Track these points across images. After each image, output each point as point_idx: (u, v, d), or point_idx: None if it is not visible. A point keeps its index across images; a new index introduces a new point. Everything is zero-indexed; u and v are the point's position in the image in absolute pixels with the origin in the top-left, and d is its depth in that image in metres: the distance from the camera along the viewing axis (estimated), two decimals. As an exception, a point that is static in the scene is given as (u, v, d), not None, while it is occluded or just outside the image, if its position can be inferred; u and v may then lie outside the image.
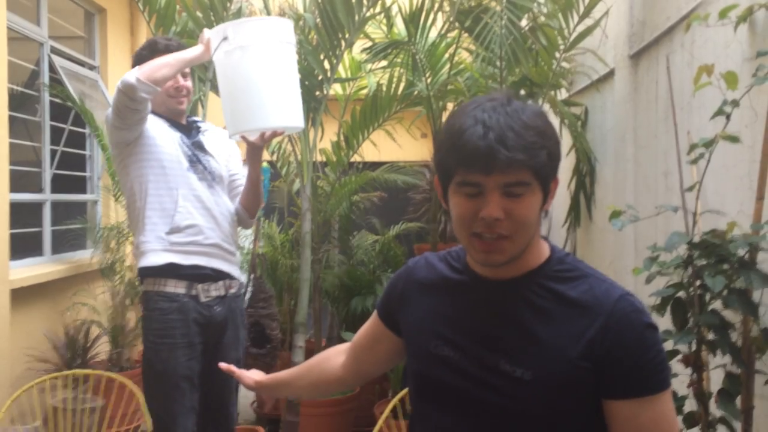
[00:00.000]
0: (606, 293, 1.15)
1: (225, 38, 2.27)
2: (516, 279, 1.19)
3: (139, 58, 2.47)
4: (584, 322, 1.13)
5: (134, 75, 2.24)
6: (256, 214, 2.72)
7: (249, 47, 2.26)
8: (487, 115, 1.07)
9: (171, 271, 2.39)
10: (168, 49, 2.43)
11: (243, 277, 5.57)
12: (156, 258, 2.40)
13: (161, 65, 2.29)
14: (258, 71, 2.26)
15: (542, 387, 1.12)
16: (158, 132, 2.45)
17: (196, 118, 2.70)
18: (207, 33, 2.37)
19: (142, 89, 2.24)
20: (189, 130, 2.59)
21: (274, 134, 2.40)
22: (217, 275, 2.48)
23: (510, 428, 1.15)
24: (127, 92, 2.24)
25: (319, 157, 4.32)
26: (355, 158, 4.48)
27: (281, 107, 2.30)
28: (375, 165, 4.91)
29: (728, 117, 1.86)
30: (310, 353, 4.30)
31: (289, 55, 2.35)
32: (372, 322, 1.44)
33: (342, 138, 4.35)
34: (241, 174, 2.62)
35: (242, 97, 2.29)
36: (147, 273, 2.43)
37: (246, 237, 5.52)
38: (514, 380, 1.13)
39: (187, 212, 2.42)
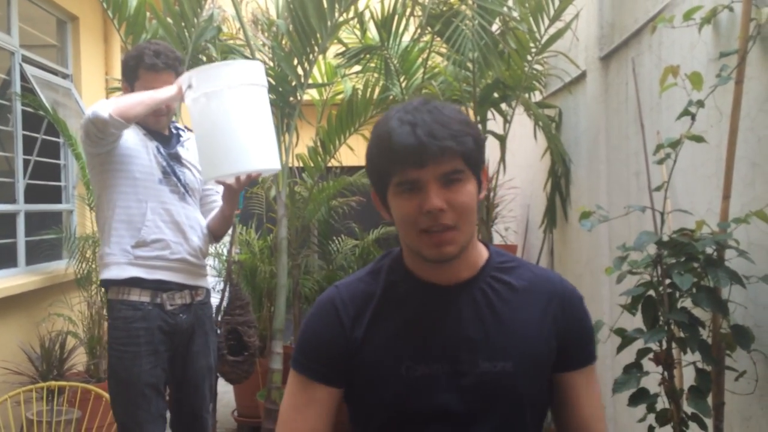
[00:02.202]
0: (548, 276, 1.27)
1: (189, 86, 2.28)
2: (469, 280, 1.21)
3: (125, 68, 2.48)
4: (541, 304, 1.21)
5: (107, 110, 2.22)
6: (222, 238, 2.72)
7: (212, 93, 2.25)
8: (410, 116, 1.12)
9: (135, 283, 2.38)
10: (154, 68, 2.41)
11: (212, 283, 5.56)
12: (119, 271, 2.37)
13: (136, 103, 2.29)
14: (223, 117, 2.25)
15: (525, 372, 1.17)
16: (133, 142, 2.42)
17: (179, 126, 2.67)
18: (182, 77, 2.35)
19: (112, 125, 2.23)
20: (168, 139, 2.55)
21: (250, 178, 2.38)
22: (182, 287, 2.47)
23: (502, 424, 1.17)
24: (97, 124, 2.24)
25: (296, 163, 4.32)
26: (333, 163, 4.48)
27: (249, 151, 2.28)
28: (353, 169, 4.91)
29: (693, 117, 1.89)
30: (288, 359, 4.28)
31: (256, 97, 2.33)
32: (309, 399, 1.20)
33: (319, 143, 4.34)
34: (216, 189, 2.59)
35: (210, 144, 2.28)
36: (110, 284, 2.41)
37: (223, 244, 5.50)
38: (497, 374, 1.16)
39: (154, 226, 2.40)
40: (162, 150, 2.48)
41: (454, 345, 1.17)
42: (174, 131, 2.61)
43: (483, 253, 1.25)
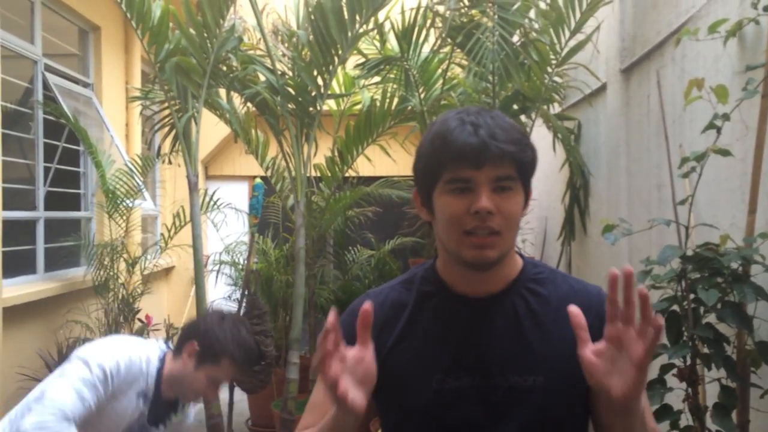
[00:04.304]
0: (586, 289, 1.22)
1: None
2: (501, 292, 1.19)
3: (209, 349, 2.07)
4: None
5: None
6: None
7: None
8: (473, 117, 1.11)
9: None
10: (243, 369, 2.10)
11: (229, 291, 5.53)
12: None
13: None
14: None
15: (557, 388, 1.14)
16: (123, 410, 2.04)
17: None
18: None
19: None
20: (168, 408, 2.19)
21: None
22: None
23: None
24: None
25: (314, 173, 4.33)
26: (350, 173, 4.49)
27: None
28: (369, 180, 4.92)
29: (719, 131, 1.87)
30: (305, 369, 4.29)
31: None
32: (322, 396, 1.20)
33: (336, 153, 4.36)
34: None
35: None
36: None
37: (241, 253, 5.52)
38: (528, 389, 1.13)
39: None
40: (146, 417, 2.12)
41: (484, 358, 1.16)
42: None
43: (517, 264, 1.23)
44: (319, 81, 3.66)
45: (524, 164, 1.12)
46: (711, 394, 1.87)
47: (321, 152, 4.21)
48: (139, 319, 4.86)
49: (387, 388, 1.19)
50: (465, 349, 1.17)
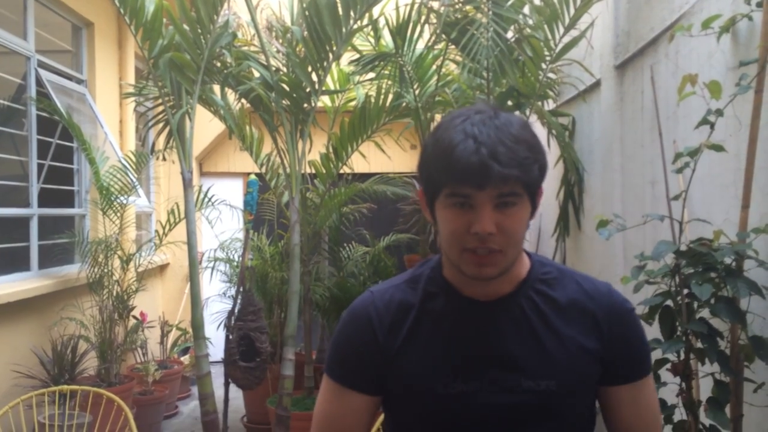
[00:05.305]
0: (596, 289, 1.19)
1: None
2: (509, 295, 1.16)
3: None
4: (587, 319, 1.15)
5: None
6: None
7: None
8: (477, 129, 1.04)
9: None
10: None
11: (224, 288, 5.52)
12: None
13: None
14: None
15: (570, 391, 1.12)
16: None
17: None
18: None
19: None
20: None
21: None
22: None
23: None
24: None
25: (308, 169, 4.33)
26: (345, 170, 4.49)
27: None
28: (364, 176, 4.92)
29: (712, 126, 1.88)
30: (300, 366, 4.28)
31: None
32: (344, 407, 1.20)
33: (331, 150, 4.35)
34: None
35: None
36: None
37: (235, 250, 5.51)
38: (541, 393, 1.11)
39: None
40: None
41: (494, 363, 1.13)
42: None
43: (525, 264, 1.19)
44: (314, 77, 3.66)
45: (530, 183, 1.06)
46: (705, 388, 1.87)
47: (315, 149, 4.21)
48: (134, 316, 4.85)
49: (395, 391, 1.18)
50: (473, 353, 1.14)
